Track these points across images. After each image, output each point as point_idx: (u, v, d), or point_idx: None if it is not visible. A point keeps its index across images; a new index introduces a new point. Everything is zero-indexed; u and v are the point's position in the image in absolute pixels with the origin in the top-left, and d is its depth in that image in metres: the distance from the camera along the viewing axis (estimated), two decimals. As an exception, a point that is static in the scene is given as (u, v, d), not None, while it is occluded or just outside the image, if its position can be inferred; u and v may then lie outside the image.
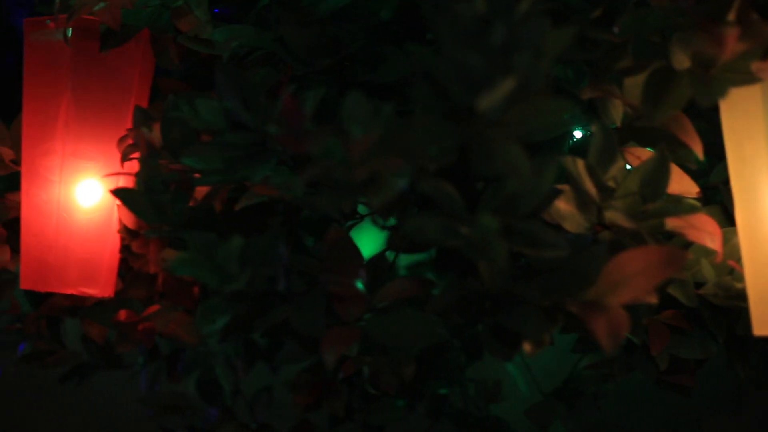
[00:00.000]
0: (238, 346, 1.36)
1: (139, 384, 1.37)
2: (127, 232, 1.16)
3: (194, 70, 1.26)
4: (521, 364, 1.27)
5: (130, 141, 1.11)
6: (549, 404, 1.23)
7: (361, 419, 1.28)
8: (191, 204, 1.01)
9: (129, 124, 1.15)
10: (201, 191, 1.08)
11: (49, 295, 1.26)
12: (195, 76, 1.25)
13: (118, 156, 1.15)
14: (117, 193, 1.01)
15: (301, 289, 0.92)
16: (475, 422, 1.30)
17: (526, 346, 0.89)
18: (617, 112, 1.03)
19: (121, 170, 1.15)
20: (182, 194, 0.97)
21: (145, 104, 1.18)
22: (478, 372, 1.30)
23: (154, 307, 1.17)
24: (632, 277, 0.86)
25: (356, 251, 0.95)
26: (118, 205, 1.14)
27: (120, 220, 1.16)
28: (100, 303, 1.21)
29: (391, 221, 1.06)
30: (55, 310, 1.24)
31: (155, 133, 1.07)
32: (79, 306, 1.24)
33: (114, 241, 1.16)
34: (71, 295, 1.22)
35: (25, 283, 1.16)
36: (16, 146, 1.22)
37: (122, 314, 1.18)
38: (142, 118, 1.14)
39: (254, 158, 0.91)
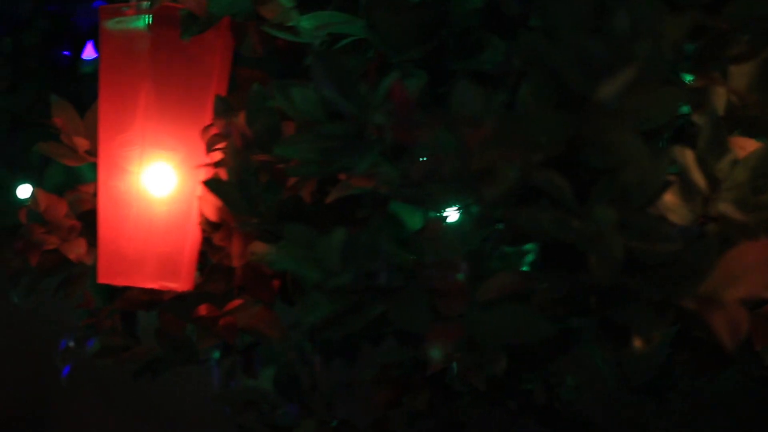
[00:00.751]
0: (316, 342, 1.35)
1: (212, 380, 1.37)
2: (207, 225, 1.15)
3: (270, 59, 1.24)
4: (609, 357, 1.26)
5: (214, 131, 1.10)
6: (638, 399, 1.21)
7: (443, 416, 1.27)
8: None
9: (209, 114, 1.14)
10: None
11: (124, 289, 1.25)
12: (271, 65, 1.24)
13: (198, 146, 1.14)
14: (208, 184, 1.00)
15: (399, 284, 0.91)
16: (559, 418, 1.29)
17: (636, 342, 0.87)
18: (720, 100, 1.01)
19: (203, 161, 1.14)
20: (275, 186, 0.96)
21: (224, 94, 1.16)
22: (563, 366, 1.29)
23: (236, 302, 1.16)
24: (747, 272, 0.84)
25: (456, 244, 0.94)
26: (199, 197, 1.13)
27: (200, 212, 1.15)
28: (179, 297, 1.20)
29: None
30: (131, 304, 1.23)
31: (239, 124, 1.06)
32: (156, 300, 1.23)
33: (194, 234, 1.15)
34: (148, 290, 1.21)
35: (102, 277, 1.16)
36: (91, 136, 1.21)
37: (203, 309, 1.17)
38: (223, 108, 1.13)
39: (354, 148, 0.89)
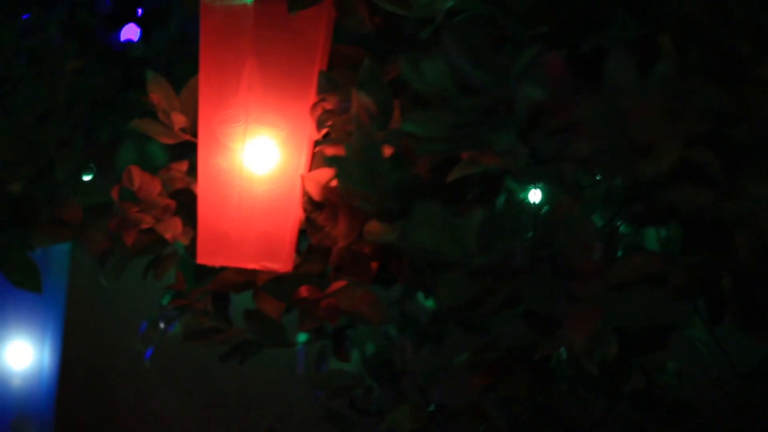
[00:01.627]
0: (407, 326, 1.33)
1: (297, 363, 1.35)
2: (310, 204, 1.13)
3: (365, 35, 1.22)
4: (712, 342, 1.24)
5: (326, 106, 1.08)
6: (745, 386, 1.19)
7: (539, 401, 1.25)
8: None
9: (313, 91, 1.12)
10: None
11: (216, 269, 1.24)
12: (369, 41, 1.22)
13: (302, 123, 1.13)
14: (331, 161, 0.98)
15: (530, 265, 0.90)
16: (658, 405, 1.27)
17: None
18: None
19: (307, 138, 1.13)
20: (402, 163, 0.95)
21: (325, 70, 1.15)
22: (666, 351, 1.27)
23: (338, 284, 1.15)
24: None
25: (591, 224, 0.92)
26: (303, 175, 1.12)
27: (303, 191, 1.13)
28: (278, 278, 1.19)
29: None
30: (225, 285, 1.22)
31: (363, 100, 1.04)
32: (251, 282, 1.21)
33: (296, 214, 1.14)
34: (244, 270, 1.20)
35: (202, 258, 1.14)
36: (187, 114, 1.19)
37: (304, 290, 1.16)
38: (328, 85, 1.12)
39: (491, 124, 0.88)
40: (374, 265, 1.20)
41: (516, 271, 0.89)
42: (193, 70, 1.20)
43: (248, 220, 1.13)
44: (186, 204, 1.22)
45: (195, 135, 1.21)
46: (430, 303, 1.46)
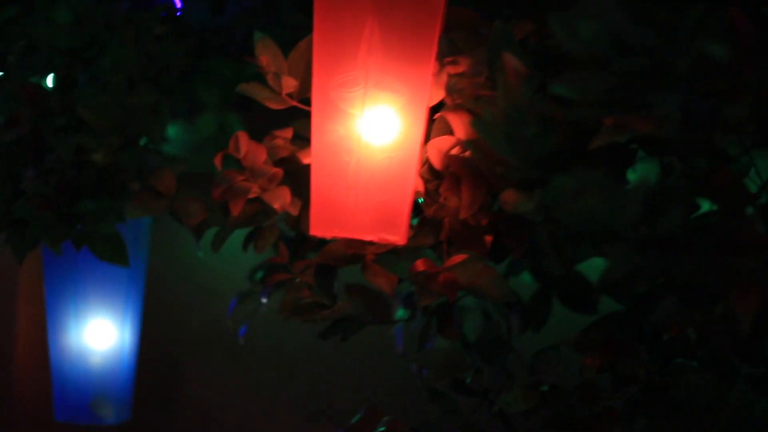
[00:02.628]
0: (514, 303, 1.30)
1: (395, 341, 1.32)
2: (430, 173, 1.10)
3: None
4: None
5: (452, 70, 1.04)
6: None
7: (654, 382, 1.22)
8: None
9: (433, 55, 1.09)
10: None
11: (321, 242, 1.21)
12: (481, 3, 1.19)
13: (422, 88, 1.09)
14: (476, 125, 0.94)
15: (689, 237, 0.86)
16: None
17: None
18: None
19: (427, 103, 1.09)
20: (550, 129, 0.91)
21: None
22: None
23: (458, 257, 1.12)
24: None
25: (748, 193, 0.88)
26: (428, 144, 1.08)
27: (422, 160, 1.10)
28: (391, 251, 1.16)
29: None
30: (333, 258, 1.19)
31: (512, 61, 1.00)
32: (359, 254, 1.18)
33: (413, 184, 1.10)
34: (353, 243, 1.16)
35: (315, 229, 1.11)
36: (295, 77, 1.16)
37: (420, 264, 1.12)
38: (449, 48, 1.08)
39: (650, 86, 0.84)
40: (489, 238, 1.16)
41: (678, 243, 0.85)
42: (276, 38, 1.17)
43: (366, 190, 1.09)
44: (291, 173, 1.18)
45: (301, 100, 1.17)
46: (527, 278, 1.42)
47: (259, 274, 1.36)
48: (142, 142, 1.37)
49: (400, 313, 1.33)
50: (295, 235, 1.29)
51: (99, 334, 1.48)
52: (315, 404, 1.88)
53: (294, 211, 1.17)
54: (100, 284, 1.47)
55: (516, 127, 0.91)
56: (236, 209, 1.15)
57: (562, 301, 1.36)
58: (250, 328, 1.90)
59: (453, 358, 1.24)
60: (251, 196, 1.16)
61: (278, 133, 1.21)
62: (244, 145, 1.16)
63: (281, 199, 1.15)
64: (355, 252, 1.19)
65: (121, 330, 1.49)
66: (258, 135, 1.77)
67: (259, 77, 1.19)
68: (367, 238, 1.10)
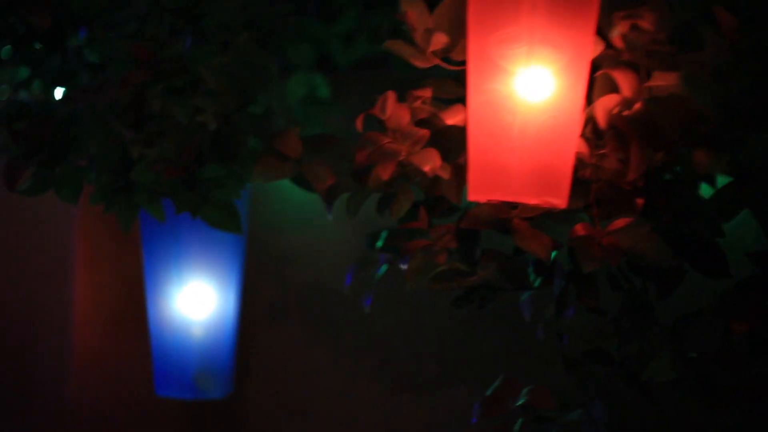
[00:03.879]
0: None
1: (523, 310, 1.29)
2: (593, 133, 1.07)
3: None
4: None
5: (625, 25, 1.01)
6: None
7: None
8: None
9: (596, 9, 1.05)
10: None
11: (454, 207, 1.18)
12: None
13: (585, 44, 1.06)
14: (687, 78, 0.91)
15: None
16: None
17: None
18: None
19: (589, 61, 1.06)
20: (762, 84, 0.88)
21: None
22: None
23: (621, 221, 1.09)
24: None
25: None
26: (594, 103, 1.05)
27: (584, 120, 1.07)
28: (546, 215, 1.13)
29: None
30: (478, 222, 1.16)
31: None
32: (506, 218, 1.15)
33: (575, 144, 1.07)
34: (498, 207, 1.13)
35: (474, 193, 1.08)
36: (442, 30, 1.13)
37: (580, 228, 1.09)
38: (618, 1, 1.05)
39: None
40: (640, 201, 1.14)
41: None
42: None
43: (531, 151, 1.06)
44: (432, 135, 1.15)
45: (446, 59, 1.14)
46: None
47: (382, 240, 1.32)
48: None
49: (533, 278, 1.30)
50: (425, 200, 1.25)
51: (201, 303, 1.44)
52: (395, 374, 1.85)
53: (445, 174, 1.13)
54: (204, 250, 1.43)
55: (725, 84, 0.88)
56: (386, 173, 1.12)
57: (693, 266, 1.33)
58: (330, 296, 1.88)
59: (597, 326, 1.22)
60: (400, 158, 1.12)
61: (417, 93, 1.17)
62: (391, 105, 1.12)
63: (431, 162, 1.12)
64: (501, 216, 1.15)
65: (225, 297, 1.45)
66: (343, 97, 1.73)
67: (347, 38, 1.16)
68: (531, 201, 1.07)
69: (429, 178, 1.19)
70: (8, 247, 2.27)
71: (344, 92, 1.71)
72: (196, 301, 1.44)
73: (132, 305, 2.01)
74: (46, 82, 1.50)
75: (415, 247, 1.20)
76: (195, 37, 1.33)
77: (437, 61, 1.15)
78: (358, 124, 1.16)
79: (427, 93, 1.18)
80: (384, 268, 1.33)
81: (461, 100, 1.15)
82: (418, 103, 1.17)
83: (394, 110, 1.14)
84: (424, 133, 1.14)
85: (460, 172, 1.17)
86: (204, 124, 1.27)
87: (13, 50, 1.46)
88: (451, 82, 1.22)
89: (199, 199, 1.26)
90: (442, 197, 1.24)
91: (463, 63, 1.16)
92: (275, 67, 1.33)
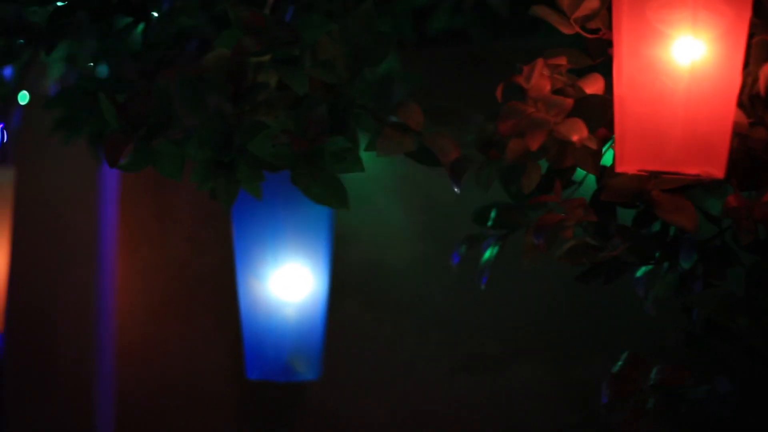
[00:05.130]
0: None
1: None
2: (756, 100, 1.06)
3: None
4: None
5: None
6: None
7: None
8: None
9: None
10: None
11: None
12: None
13: (746, 7, 1.04)
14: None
15: None
16: None
17: None
18: None
19: (748, 24, 1.04)
20: None
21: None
22: None
23: (773, 193, 1.08)
24: None
25: None
26: (763, 69, 1.04)
27: (741, 86, 1.05)
28: (692, 186, 1.11)
29: None
30: (620, 194, 1.14)
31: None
32: (645, 190, 1.13)
33: (734, 112, 1.06)
34: (638, 177, 1.11)
35: (625, 163, 1.06)
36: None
37: (733, 199, 1.08)
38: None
39: None
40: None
41: None
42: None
43: (690, 120, 1.04)
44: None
45: (584, 27, 1.12)
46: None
47: (493, 215, 1.30)
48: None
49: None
50: (547, 172, 1.23)
51: (296, 284, 1.40)
52: (460, 354, 1.84)
53: (593, 145, 1.11)
54: (298, 229, 1.39)
55: None
56: (535, 143, 1.10)
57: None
58: (392, 275, 1.85)
59: (731, 302, 1.20)
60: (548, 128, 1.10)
61: (551, 61, 1.15)
62: (537, 73, 1.10)
63: (579, 132, 1.09)
64: (639, 187, 1.14)
65: (319, 278, 1.42)
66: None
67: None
68: (691, 171, 1.05)
69: (556, 149, 1.17)
70: (35, 236, 2.23)
71: (412, 67, 1.69)
72: (291, 282, 1.40)
73: (179, 289, 1.98)
74: (125, 55, 1.46)
75: (550, 222, 1.17)
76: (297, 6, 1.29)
77: (577, 29, 1.13)
78: (499, 93, 1.13)
79: (561, 61, 1.16)
80: (495, 248, 1.31)
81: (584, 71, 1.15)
82: (555, 71, 1.15)
83: (537, 79, 1.12)
84: (569, 102, 1.12)
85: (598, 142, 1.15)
86: (321, 95, 1.23)
87: (93, 22, 1.41)
88: (575, 52, 1.20)
89: (318, 173, 1.23)
90: (564, 170, 1.22)
91: (598, 31, 1.14)
92: (395, 36, 1.30)
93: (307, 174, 1.22)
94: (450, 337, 1.84)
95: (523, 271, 1.44)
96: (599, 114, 1.14)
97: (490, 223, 1.32)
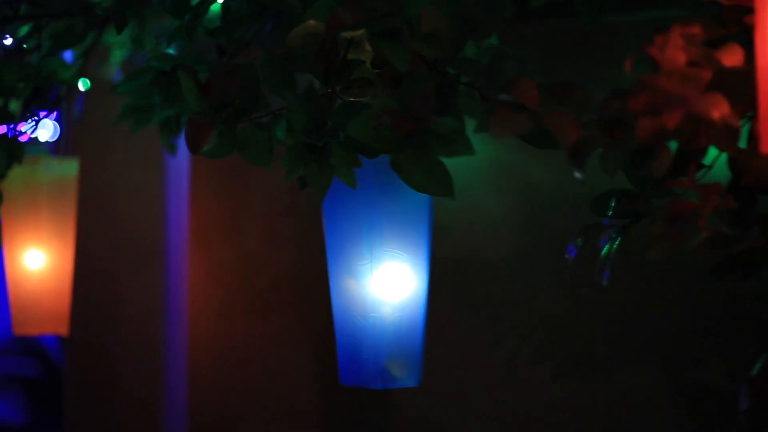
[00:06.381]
0: None
1: None
2: None
3: None
4: None
5: None
6: None
7: None
8: None
9: None
10: None
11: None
12: None
13: None
14: None
15: None
16: None
17: None
18: None
19: None
20: None
21: None
22: None
23: None
24: None
25: None
26: None
27: None
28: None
29: None
30: (763, 180, 1.06)
31: None
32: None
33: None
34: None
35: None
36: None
37: None
38: None
39: None
40: None
41: None
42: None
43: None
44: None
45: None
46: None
47: (613, 203, 1.23)
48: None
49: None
50: (676, 154, 1.16)
51: (393, 281, 1.33)
52: (564, 356, 1.77)
53: (735, 123, 1.03)
54: (396, 222, 1.32)
55: None
56: (674, 121, 1.02)
57: None
58: (488, 270, 1.79)
59: None
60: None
61: (686, 31, 1.07)
62: (672, 44, 1.02)
63: (720, 108, 1.02)
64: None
65: (419, 275, 1.35)
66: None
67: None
68: None
69: (690, 128, 1.09)
70: (99, 233, 2.20)
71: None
72: (389, 280, 1.33)
73: (256, 287, 1.93)
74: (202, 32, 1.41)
75: (685, 210, 1.10)
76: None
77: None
78: (627, 66, 1.06)
79: (696, 30, 1.08)
80: (617, 239, 1.24)
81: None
82: (681, 43, 1.07)
83: (672, 50, 1.04)
84: (707, 75, 1.04)
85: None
86: (423, 73, 1.16)
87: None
88: (708, 21, 1.13)
89: (424, 158, 1.16)
90: (694, 152, 1.15)
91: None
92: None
93: (411, 159, 1.16)
94: (553, 337, 1.77)
95: (633, 264, 1.37)
96: (741, 88, 1.06)
97: (610, 213, 1.25)
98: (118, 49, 2.01)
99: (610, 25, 1.67)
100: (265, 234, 1.98)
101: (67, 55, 1.87)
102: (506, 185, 1.81)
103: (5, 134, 1.64)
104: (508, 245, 1.80)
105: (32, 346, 5.87)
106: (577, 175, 1.15)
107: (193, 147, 1.21)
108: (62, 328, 1.90)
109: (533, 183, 1.80)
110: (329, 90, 1.23)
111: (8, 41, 1.63)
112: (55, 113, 1.79)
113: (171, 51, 1.53)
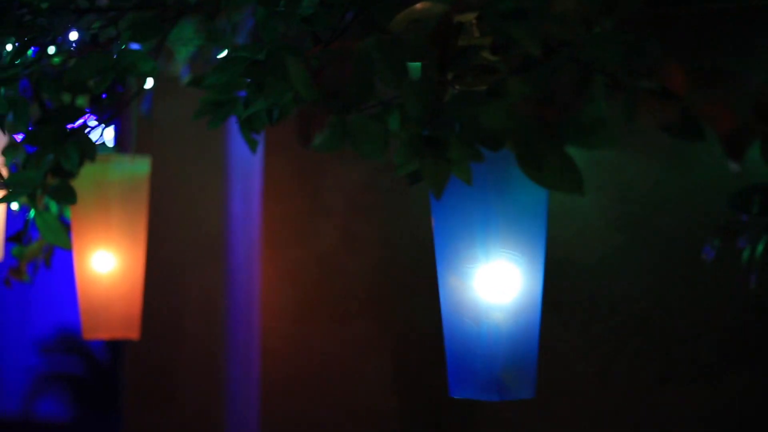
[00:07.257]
0: None
1: None
2: None
3: None
4: None
5: None
6: None
7: None
8: None
9: None
10: None
11: None
12: None
13: None
14: None
15: None
16: None
17: None
18: None
19: None
20: None
21: None
22: None
23: None
24: None
25: None
26: None
27: None
28: None
29: None
30: None
31: None
32: None
33: None
34: None
35: None
36: None
37: None
38: None
39: None
40: None
41: None
42: None
43: None
44: None
45: None
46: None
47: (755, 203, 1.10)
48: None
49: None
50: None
51: (507, 284, 1.20)
52: (665, 362, 1.64)
53: None
54: (512, 220, 1.19)
55: None
56: None
57: None
58: (581, 274, 1.66)
59: None
60: None
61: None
62: None
63: None
64: None
65: (533, 277, 1.22)
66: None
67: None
68: None
69: None
70: (167, 233, 2.11)
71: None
72: (505, 284, 1.20)
73: (333, 290, 1.81)
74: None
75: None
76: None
77: None
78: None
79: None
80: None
81: None
82: None
83: None
84: None
85: None
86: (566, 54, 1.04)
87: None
88: None
89: (557, 149, 1.03)
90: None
91: None
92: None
93: (543, 152, 1.03)
94: (652, 343, 1.65)
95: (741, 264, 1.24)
96: None
97: (755, 210, 1.12)
98: (182, 45, 1.88)
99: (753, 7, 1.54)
100: (341, 235, 1.86)
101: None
102: (600, 182, 1.68)
103: (78, 129, 1.51)
104: (603, 246, 1.68)
105: (76, 344, 5.78)
106: (735, 167, 1.02)
107: (303, 140, 1.09)
108: (133, 333, 1.78)
109: (629, 180, 1.67)
110: (444, 77, 1.10)
111: (79, 34, 1.51)
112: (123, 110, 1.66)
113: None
